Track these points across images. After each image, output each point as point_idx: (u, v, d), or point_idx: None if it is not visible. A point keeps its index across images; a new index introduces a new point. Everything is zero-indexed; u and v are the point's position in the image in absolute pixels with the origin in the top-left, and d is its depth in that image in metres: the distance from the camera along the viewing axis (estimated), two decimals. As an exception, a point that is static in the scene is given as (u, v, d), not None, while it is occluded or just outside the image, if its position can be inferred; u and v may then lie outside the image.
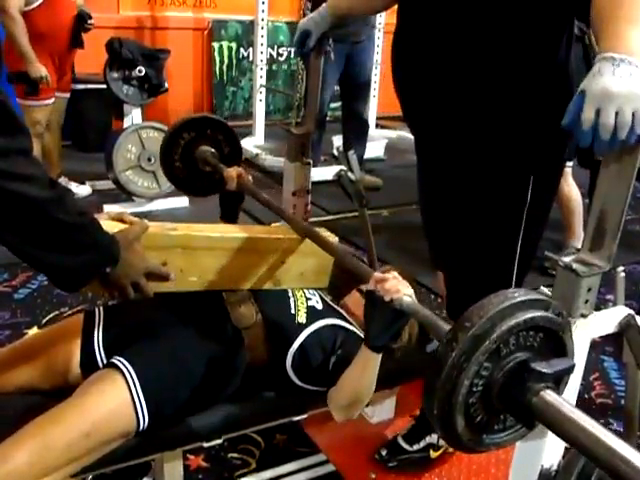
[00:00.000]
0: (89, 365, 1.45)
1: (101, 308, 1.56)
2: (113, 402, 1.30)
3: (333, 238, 1.68)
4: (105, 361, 1.44)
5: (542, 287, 1.16)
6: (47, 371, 1.46)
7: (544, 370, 0.81)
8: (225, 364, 1.46)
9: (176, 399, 1.40)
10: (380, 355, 1.33)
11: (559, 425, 0.80)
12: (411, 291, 1.18)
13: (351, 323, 1.60)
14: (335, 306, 1.66)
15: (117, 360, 1.36)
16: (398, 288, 1.17)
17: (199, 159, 1.85)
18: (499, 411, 0.86)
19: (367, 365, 1.34)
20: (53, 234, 1.07)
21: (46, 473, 1.19)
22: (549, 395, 0.81)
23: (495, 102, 1.41)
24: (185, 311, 1.52)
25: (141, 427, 1.33)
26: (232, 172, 1.71)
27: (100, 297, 2.78)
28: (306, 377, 1.53)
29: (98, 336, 1.49)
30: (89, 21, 3.74)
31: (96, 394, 1.30)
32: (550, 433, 1.11)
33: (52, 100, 3.68)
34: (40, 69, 3.46)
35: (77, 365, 1.46)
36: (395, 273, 1.22)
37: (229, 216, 1.77)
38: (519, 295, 0.82)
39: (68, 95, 3.94)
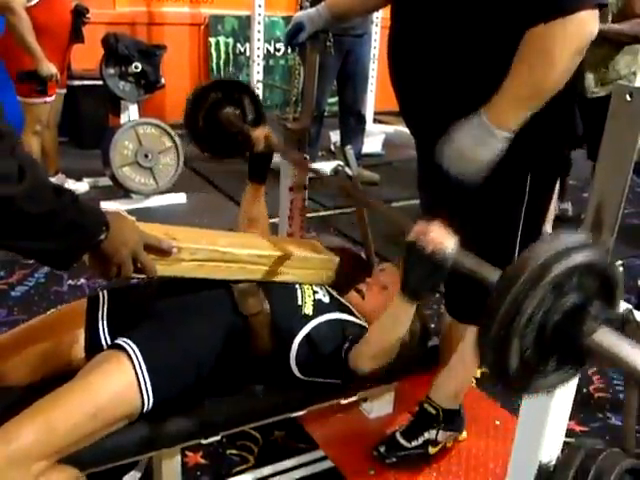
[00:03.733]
0: (94, 348, 1.44)
1: (105, 292, 1.55)
2: (118, 382, 1.29)
3: None
4: (110, 340, 1.44)
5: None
6: (51, 355, 1.45)
7: (600, 313, 0.84)
8: (230, 348, 1.46)
9: (181, 381, 1.40)
10: (414, 307, 1.33)
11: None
12: (454, 242, 1.17)
13: (358, 317, 1.60)
14: (342, 300, 1.66)
15: (122, 341, 1.35)
16: (441, 239, 1.17)
17: (223, 120, 1.87)
18: (549, 351, 0.86)
19: (401, 314, 1.35)
20: (29, 226, 1.05)
21: (50, 453, 1.19)
22: (606, 331, 0.83)
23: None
24: (191, 295, 1.51)
25: (145, 408, 1.32)
26: (260, 133, 1.74)
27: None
28: (308, 369, 1.53)
29: (103, 319, 1.48)
30: (87, 15, 3.73)
31: (101, 374, 1.30)
32: (549, 428, 1.11)
33: (54, 97, 3.66)
34: (50, 67, 3.42)
35: (82, 349, 1.46)
36: (439, 223, 1.21)
37: (258, 176, 1.80)
38: (585, 239, 0.85)
39: (65, 91, 3.93)
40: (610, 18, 3.15)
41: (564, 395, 1.13)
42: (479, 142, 1.28)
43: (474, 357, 1.79)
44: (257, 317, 1.50)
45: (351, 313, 1.61)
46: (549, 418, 1.12)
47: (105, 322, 1.48)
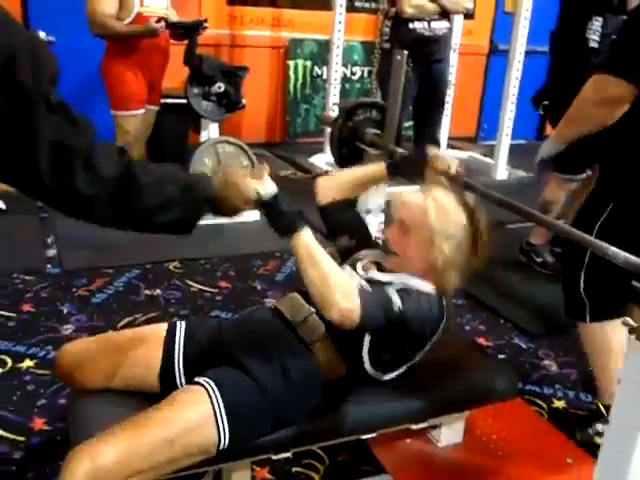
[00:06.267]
0: (167, 378, 1.54)
1: (183, 323, 1.63)
2: (197, 415, 1.36)
3: None
4: (183, 373, 1.53)
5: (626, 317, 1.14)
6: (126, 371, 1.53)
7: None
8: (303, 383, 1.49)
9: (256, 421, 1.44)
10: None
11: None
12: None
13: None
14: (379, 274, 1.59)
15: (203, 380, 1.42)
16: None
17: (366, 140, 2.03)
18: None
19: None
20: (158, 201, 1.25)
21: (130, 474, 1.24)
22: None
23: None
24: (259, 334, 1.57)
25: (221, 445, 1.37)
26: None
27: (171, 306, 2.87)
28: (387, 367, 1.57)
29: (179, 351, 1.56)
30: (204, 24, 3.86)
31: (182, 406, 1.37)
32: (631, 472, 1.08)
33: (142, 111, 3.78)
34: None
35: (156, 375, 1.54)
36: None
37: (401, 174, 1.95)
38: None
39: (157, 108, 4.04)
40: None
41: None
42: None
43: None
44: (320, 343, 1.53)
45: (390, 284, 1.52)
46: (632, 463, 1.08)
47: (181, 355, 1.56)
